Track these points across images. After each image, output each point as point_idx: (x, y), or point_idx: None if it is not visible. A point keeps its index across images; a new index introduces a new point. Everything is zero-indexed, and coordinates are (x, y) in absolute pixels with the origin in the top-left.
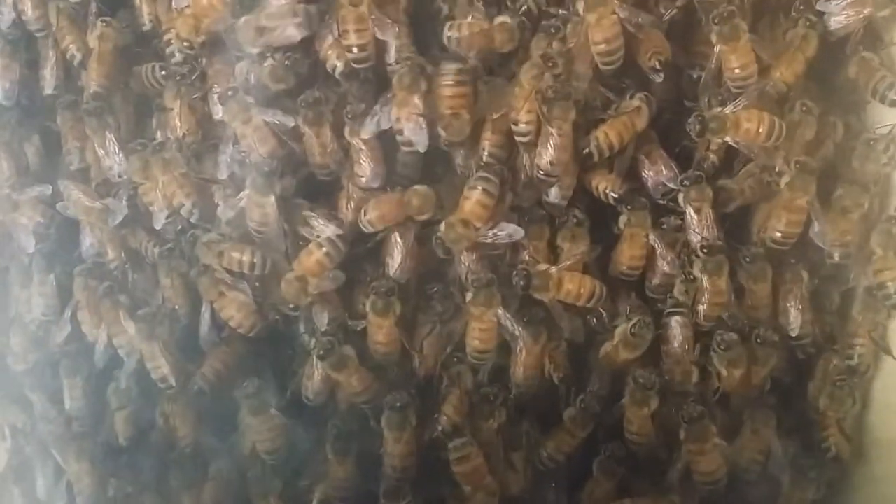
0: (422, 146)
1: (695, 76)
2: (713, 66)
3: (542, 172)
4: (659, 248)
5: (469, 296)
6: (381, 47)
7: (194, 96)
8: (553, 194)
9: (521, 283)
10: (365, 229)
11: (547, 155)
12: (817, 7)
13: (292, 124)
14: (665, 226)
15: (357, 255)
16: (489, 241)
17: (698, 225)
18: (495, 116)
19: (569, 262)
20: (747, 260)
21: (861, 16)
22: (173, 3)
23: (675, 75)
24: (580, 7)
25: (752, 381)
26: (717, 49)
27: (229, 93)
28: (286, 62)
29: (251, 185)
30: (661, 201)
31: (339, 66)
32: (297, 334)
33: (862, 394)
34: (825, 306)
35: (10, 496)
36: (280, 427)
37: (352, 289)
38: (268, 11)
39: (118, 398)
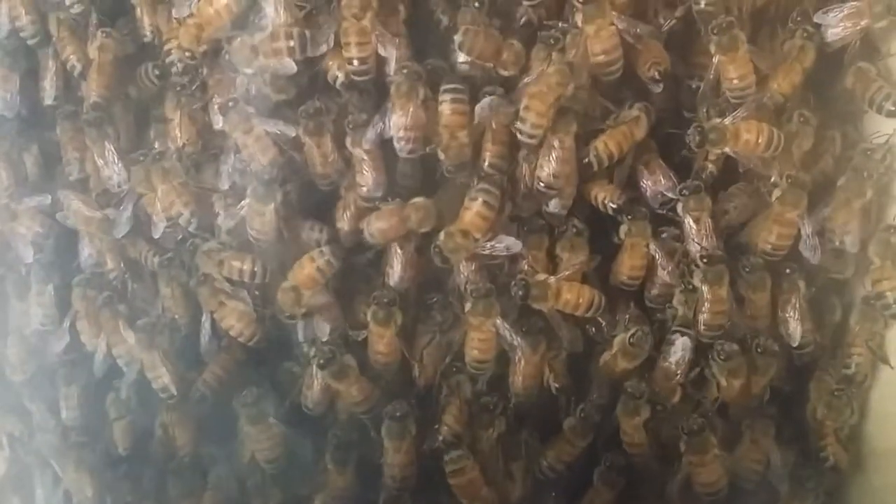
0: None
1: (693, 86)
2: (712, 76)
3: (543, 185)
4: (659, 258)
5: (468, 306)
6: (381, 59)
7: (194, 107)
8: (553, 205)
9: (520, 292)
10: (369, 240)
11: (549, 167)
12: (815, 19)
13: (293, 134)
14: (665, 235)
15: (356, 265)
16: (487, 252)
17: (697, 235)
18: (495, 126)
19: (567, 272)
20: (746, 270)
21: (858, 27)
22: (174, 13)
23: (674, 86)
24: (578, 19)
25: (751, 390)
26: (715, 60)
27: (230, 103)
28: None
29: (252, 194)
30: (660, 211)
31: (340, 76)
32: (297, 343)
33: (860, 404)
34: (825, 318)
35: None
36: (279, 436)
37: (352, 299)
38: (260, 36)
39: (117, 408)
